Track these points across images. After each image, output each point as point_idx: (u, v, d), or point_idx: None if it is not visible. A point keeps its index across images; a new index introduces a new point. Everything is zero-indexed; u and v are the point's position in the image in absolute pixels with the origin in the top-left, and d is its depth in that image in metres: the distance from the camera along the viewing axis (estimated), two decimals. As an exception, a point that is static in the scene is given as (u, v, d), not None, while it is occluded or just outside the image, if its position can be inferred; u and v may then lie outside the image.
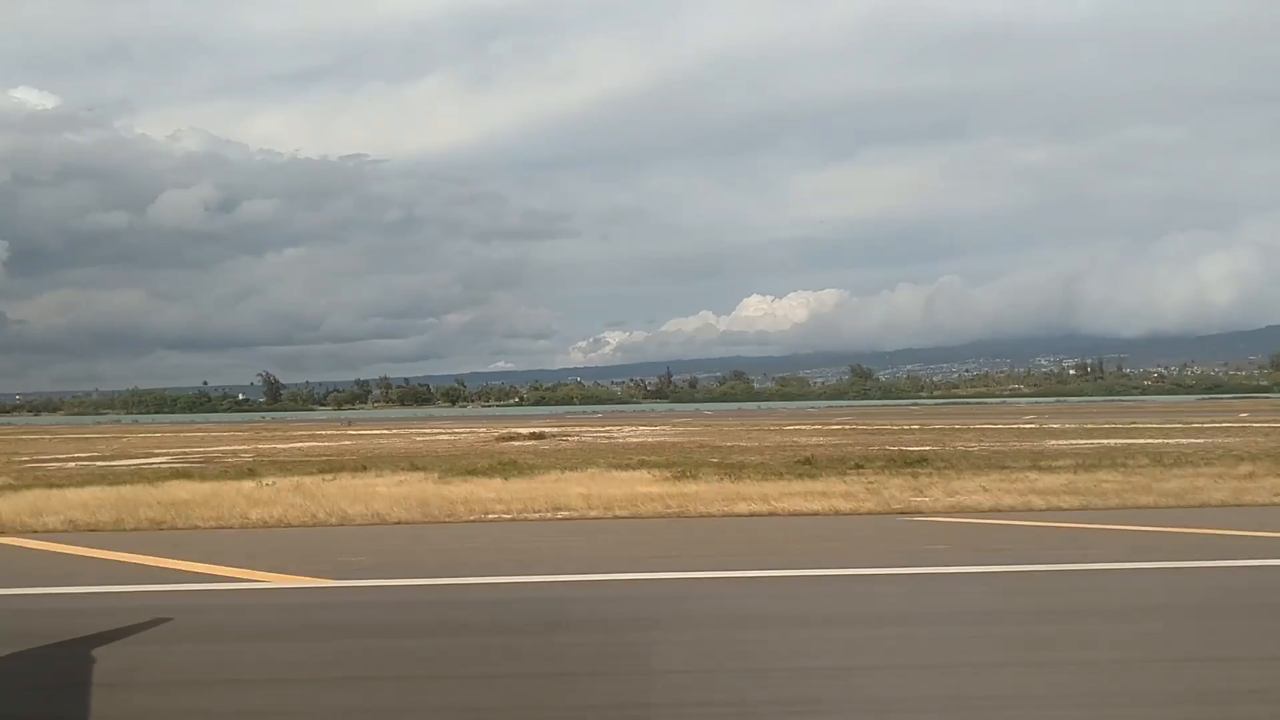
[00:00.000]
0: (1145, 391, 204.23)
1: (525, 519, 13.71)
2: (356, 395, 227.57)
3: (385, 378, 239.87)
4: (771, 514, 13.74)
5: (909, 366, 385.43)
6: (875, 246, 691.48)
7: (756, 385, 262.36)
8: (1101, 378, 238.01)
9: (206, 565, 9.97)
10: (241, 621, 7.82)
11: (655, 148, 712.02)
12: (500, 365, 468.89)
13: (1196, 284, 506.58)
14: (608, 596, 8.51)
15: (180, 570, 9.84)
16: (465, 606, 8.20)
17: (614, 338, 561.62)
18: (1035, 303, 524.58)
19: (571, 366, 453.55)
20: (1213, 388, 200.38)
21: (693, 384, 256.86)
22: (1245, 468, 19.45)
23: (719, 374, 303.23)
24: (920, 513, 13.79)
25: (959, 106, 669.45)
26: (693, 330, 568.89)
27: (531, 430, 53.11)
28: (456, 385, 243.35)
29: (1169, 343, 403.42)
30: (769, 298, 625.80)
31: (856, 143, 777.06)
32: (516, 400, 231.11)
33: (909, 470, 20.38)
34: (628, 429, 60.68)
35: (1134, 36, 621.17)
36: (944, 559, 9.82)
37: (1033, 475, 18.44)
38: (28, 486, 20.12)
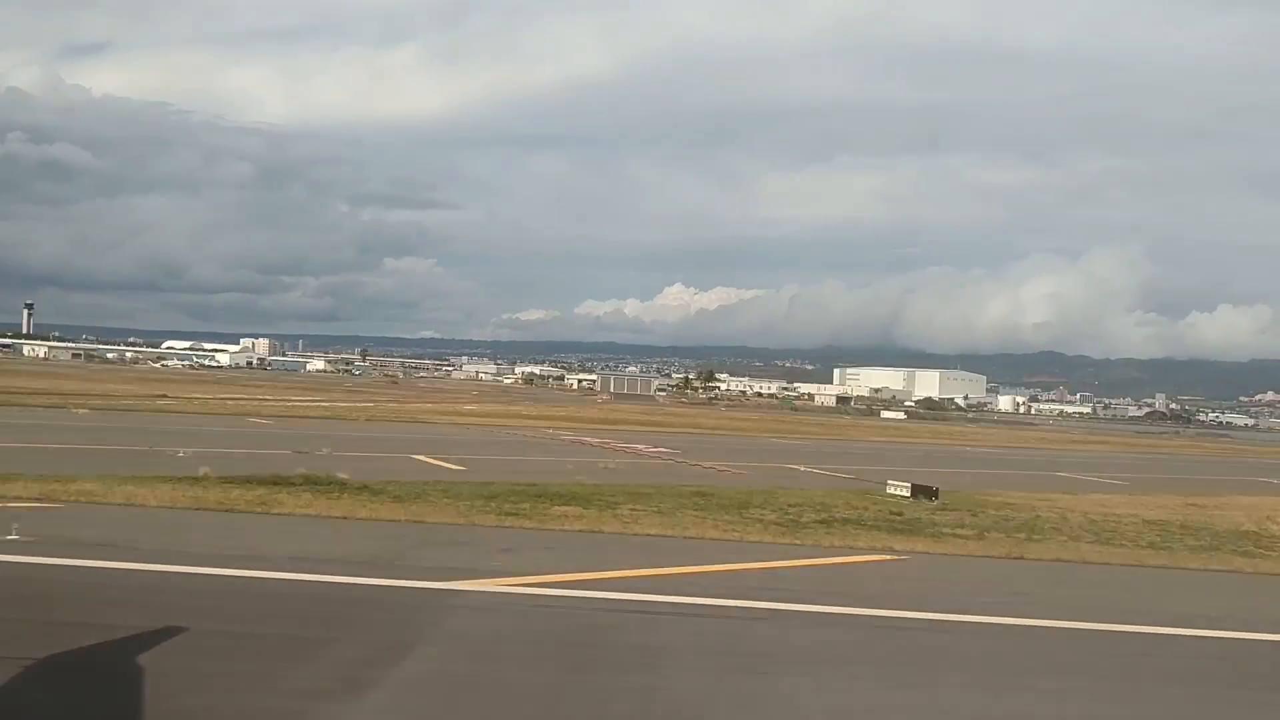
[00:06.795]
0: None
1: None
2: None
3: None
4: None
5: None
6: (821, 250, 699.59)
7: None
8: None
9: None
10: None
11: (621, 137, 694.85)
12: (427, 334, 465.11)
13: (1015, 307, 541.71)
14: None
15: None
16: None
17: (532, 315, 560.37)
18: (880, 313, 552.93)
19: (486, 340, 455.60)
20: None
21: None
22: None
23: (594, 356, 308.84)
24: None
25: (930, 121, 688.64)
26: (602, 314, 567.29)
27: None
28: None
29: (978, 361, 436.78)
30: (691, 289, 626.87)
31: (825, 147, 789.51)
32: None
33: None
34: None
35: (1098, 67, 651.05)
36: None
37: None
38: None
